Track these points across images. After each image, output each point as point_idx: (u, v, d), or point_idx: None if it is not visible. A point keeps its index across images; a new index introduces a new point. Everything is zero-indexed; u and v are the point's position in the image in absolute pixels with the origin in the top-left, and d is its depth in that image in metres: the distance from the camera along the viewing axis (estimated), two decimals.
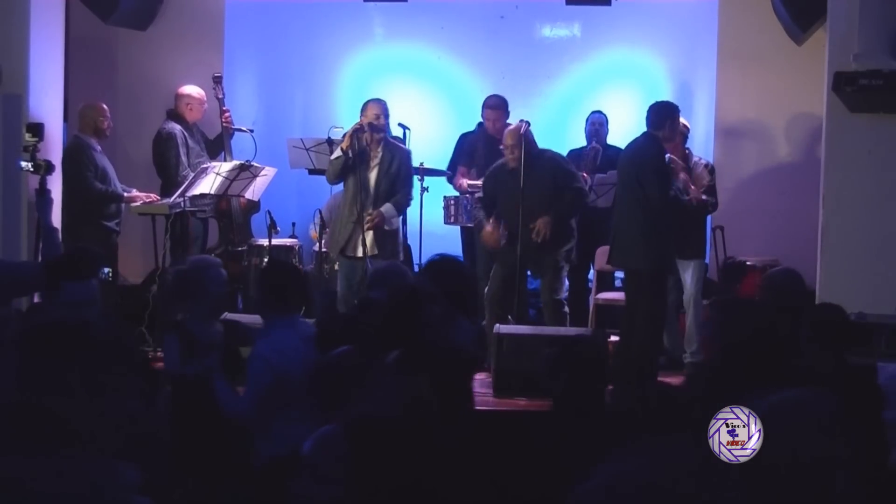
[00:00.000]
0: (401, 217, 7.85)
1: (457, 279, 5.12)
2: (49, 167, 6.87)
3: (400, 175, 7.59)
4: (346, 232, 7.50)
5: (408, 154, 7.75)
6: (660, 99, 7.64)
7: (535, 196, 7.37)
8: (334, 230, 7.71)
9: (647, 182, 7.01)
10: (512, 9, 9.94)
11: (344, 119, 9.16)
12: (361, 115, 7.55)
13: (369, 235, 7.44)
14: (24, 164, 6.98)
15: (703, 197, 7.66)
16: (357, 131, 7.42)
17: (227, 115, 8.76)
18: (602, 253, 8.05)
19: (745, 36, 8.98)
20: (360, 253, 7.42)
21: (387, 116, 7.56)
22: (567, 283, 7.70)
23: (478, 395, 5.12)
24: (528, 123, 7.52)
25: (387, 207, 7.51)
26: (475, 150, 8.56)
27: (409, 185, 7.72)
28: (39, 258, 6.43)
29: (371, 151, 7.52)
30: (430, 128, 9.53)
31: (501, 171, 7.58)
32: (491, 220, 7.55)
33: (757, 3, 8.83)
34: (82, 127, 8.16)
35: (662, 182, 7.06)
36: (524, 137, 7.39)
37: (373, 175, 7.53)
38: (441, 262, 5.24)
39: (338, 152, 7.50)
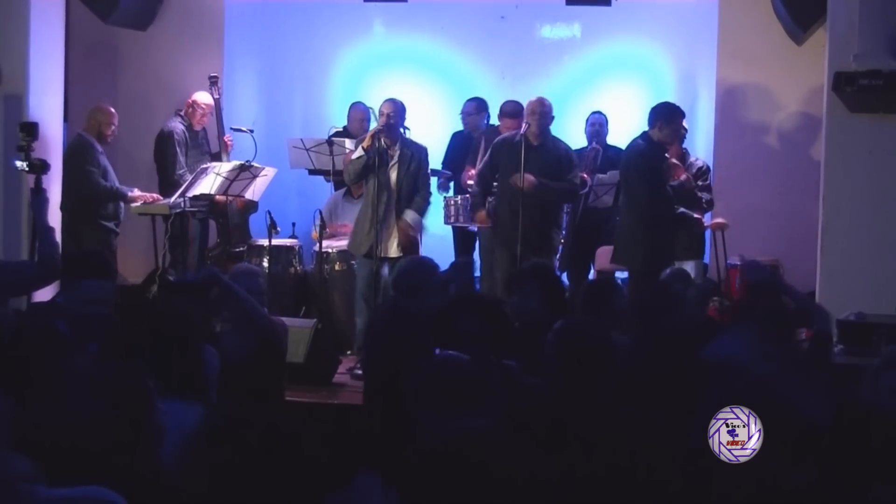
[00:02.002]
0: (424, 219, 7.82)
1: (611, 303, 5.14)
2: (44, 166, 6.84)
3: (419, 174, 7.62)
4: (372, 233, 7.43)
5: (426, 152, 7.73)
6: (659, 99, 7.69)
7: (543, 170, 7.47)
8: (357, 231, 7.64)
9: (632, 181, 7.07)
10: (512, 9, 9.93)
11: (343, 119, 9.16)
12: (379, 115, 7.56)
13: (396, 237, 7.46)
14: (18, 163, 6.95)
15: (700, 194, 7.71)
16: (378, 133, 7.42)
17: (229, 141, 8.76)
18: (602, 253, 8.05)
19: (745, 36, 8.97)
20: (391, 253, 7.43)
21: (398, 115, 7.54)
22: (567, 283, 7.68)
23: None
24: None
25: (411, 216, 7.52)
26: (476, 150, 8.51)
27: (428, 184, 7.78)
28: (36, 257, 6.42)
29: (389, 150, 7.52)
30: (431, 128, 9.51)
31: (510, 142, 7.58)
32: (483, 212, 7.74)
33: (757, 3, 8.82)
34: (87, 127, 8.16)
35: (651, 182, 7.07)
36: (547, 113, 7.62)
37: (393, 174, 7.52)
38: (598, 284, 5.26)
39: (359, 151, 7.47)
